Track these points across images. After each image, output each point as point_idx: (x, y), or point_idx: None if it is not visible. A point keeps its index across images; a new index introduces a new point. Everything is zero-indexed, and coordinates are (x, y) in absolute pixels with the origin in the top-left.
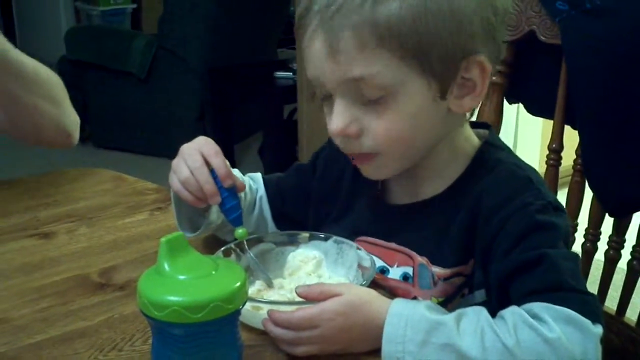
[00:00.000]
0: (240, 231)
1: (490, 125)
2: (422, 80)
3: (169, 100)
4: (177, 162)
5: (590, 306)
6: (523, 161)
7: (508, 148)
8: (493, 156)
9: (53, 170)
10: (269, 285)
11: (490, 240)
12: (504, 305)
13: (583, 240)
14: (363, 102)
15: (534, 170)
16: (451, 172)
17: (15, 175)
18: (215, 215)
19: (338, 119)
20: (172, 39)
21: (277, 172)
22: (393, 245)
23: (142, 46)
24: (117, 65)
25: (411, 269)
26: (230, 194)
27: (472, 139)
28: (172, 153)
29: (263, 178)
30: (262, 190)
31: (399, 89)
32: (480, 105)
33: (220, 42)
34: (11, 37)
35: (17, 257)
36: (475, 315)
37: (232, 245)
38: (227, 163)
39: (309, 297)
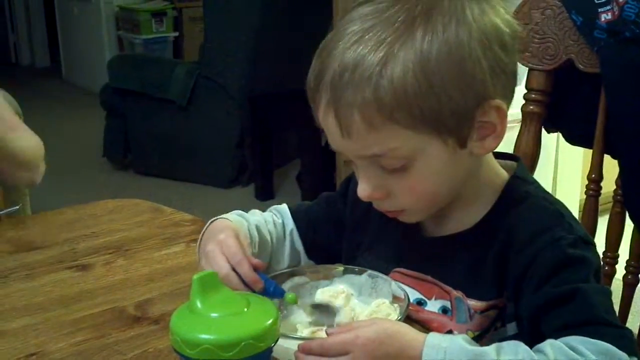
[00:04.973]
0: (289, 296)
1: (519, 157)
2: (439, 141)
3: (209, 127)
4: (203, 265)
5: (625, 340)
6: (552, 195)
7: (536, 182)
8: (522, 189)
9: (93, 199)
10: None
11: (521, 274)
12: (535, 339)
13: (624, 272)
14: (385, 170)
15: (563, 204)
16: (479, 206)
17: (56, 206)
18: None
19: (363, 187)
20: (212, 67)
21: (314, 198)
22: (429, 278)
23: (183, 74)
24: (158, 93)
25: (449, 302)
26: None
27: (499, 172)
28: (212, 180)
29: (290, 210)
30: (291, 224)
31: (417, 155)
32: (518, 134)
33: (260, 70)
34: (57, 65)
35: (55, 290)
36: (514, 347)
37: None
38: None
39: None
